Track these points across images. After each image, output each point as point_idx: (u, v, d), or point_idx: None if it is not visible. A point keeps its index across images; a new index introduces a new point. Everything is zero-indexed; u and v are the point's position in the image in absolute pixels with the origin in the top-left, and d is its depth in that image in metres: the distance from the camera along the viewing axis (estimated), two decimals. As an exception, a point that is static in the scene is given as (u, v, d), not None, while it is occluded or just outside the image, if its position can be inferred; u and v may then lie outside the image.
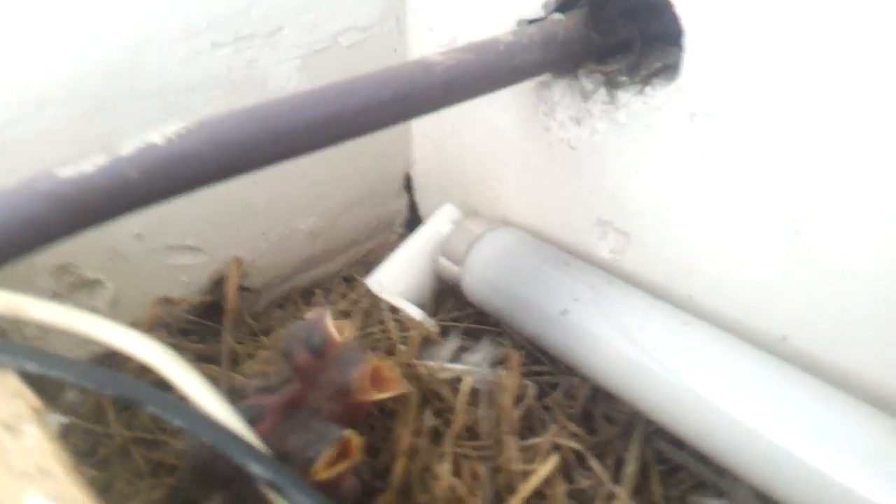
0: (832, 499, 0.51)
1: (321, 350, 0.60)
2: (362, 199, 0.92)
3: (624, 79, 0.68)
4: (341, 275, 0.94)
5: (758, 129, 0.56)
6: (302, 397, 0.60)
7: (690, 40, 0.58)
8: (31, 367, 0.39)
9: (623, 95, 0.67)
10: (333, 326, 0.60)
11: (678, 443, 0.64)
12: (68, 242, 0.69)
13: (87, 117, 0.65)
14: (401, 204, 0.98)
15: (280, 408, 0.60)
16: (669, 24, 0.60)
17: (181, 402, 0.40)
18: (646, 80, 0.66)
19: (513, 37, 0.61)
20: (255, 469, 0.38)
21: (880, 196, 0.51)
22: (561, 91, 0.72)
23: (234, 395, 0.71)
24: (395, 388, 0.59)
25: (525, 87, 0.74)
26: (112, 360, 0.66)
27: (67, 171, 0.43)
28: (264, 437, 0.58)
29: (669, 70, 0.63)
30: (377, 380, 0.59)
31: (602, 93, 0.69)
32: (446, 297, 0.86)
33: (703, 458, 0.62)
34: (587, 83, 0.70)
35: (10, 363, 0.39)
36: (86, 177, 0.43)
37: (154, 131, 0.46)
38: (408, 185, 0.97)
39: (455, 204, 0.89)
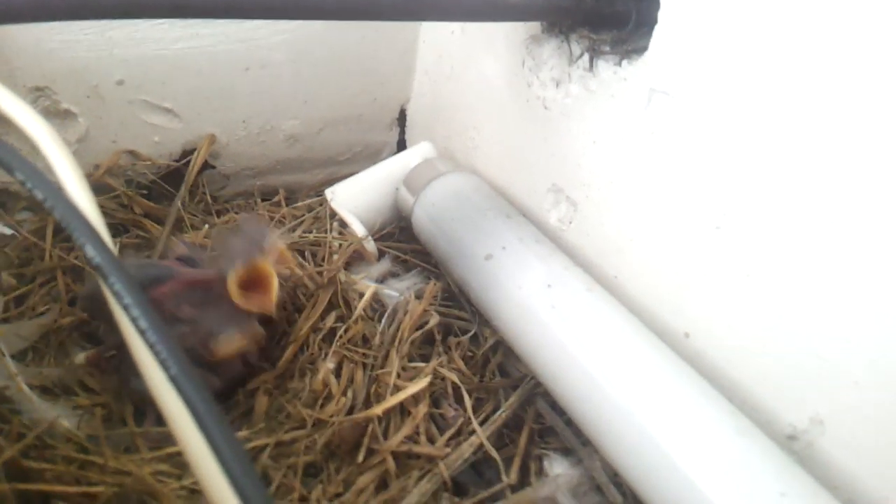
0: (674, 489, 0.51)
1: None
2: (350, 119, 0.93)
3: (607, 49, 0.68)
4: (314, 188, 0.96)
5: (706, 115, 0.56)
6: (213, 283, 0.63)
7: (664, 14, 0.59)
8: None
9: (603, 66, 0.67)
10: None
11: (558, 408, 0.64)
12: (50, 66, 0.73)
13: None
14: (391, 137, 1.00)
15: (190, 281, 0.63)
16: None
17: (46, 176, 0.42)
18: (625, 55, 0.66)
19: (501, -27, 0.62)
20: (88, 252, 0.40)
21: (808, 207, 0.50)
22: (550, 50, 0.73)
23: (164, 255, 0.75)
24: (287, 263, 0.61)
25: (517, 40, 0.75)
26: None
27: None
28: (163, 298, 0.62)
29: (643, 49, 0.64)
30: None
31: (585, 59, 0.69)
32: (397, 229, 0.88)
33: (574, 426, 0.62)
34: (576, 47, 0.70)
35: None
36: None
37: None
38: (401, 119, 0.98)
39: (437, 147, 0.90)
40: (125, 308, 0.39)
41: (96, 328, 0.67)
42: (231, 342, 0.60)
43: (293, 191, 0.95)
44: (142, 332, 0.38)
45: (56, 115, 0.76)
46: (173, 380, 0.37)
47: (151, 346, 0.38)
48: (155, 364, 0.38)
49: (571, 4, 0.67)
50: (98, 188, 0.80)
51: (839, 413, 0.51)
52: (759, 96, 0.52)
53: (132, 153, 0.82)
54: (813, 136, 0.48)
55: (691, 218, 0.59)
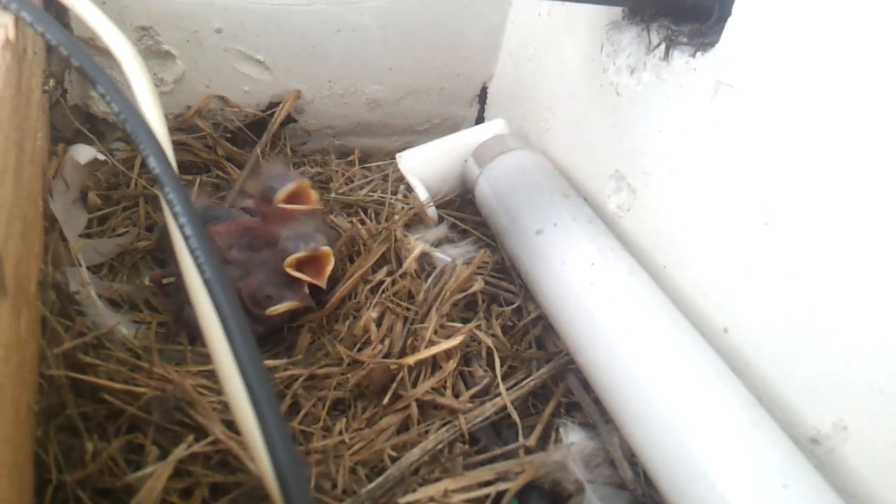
0: (683, 471, 0.52)
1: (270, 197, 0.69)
2: (432, 90, 0.96)
3: (684, 40, 0.68)
4: (389, 155, 0.99)
5: (764, 113, 0.56)
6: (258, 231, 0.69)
7: (738, 7, 0.59)
8: (26, 16, 0.47)
9: (677, 56, 0.67)
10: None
11: (589, 386, 0.65)
12: (155, 8, 0.79)
13: None
14: (470, 112, 1.02)
15: (247, 226, 0.68)
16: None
17: (125, 95, 0.46)
18: (700, 47, 0.66)
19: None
20: (151, 162, 0.44)
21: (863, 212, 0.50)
22: (630, 38, 0.73)
23: (239, 197, 0.80)
24: (311, 202, 0.65)
25: (598, 25, 0.76)
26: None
27: None
28: (218, 237, 0.67)
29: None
30: (301, 197, 0.67)
31: (661, 49, 0.69)
32: (462, 200, 0.90)
33: (600, 405, 0.63)
34: (655, 36, 0.71)
35: (13, 8, 0.46)
36: None
37: None
38: (482, 96, 1.00)
39: (512, 126, 0.92)
40: (175, 216, 0.43)
41: (164, 256, 0.72)
42: (281, 307, 0.64)
43: (369, 154, 0.99)
44: (186, 238, 0.42)
45: (157, 55, 0.82)
46: (206, 283, 0.41)
47: (192, 251, 0.42)
48: (194, 269, 0.41)
49: (654, -7, 0.68)
50: (188, 128, 0.86)
51: (863, 421, 0.50)
52: (820, 97, 0.51)
53: (222, 99, 0.87)
54: (866, 144, 0.48)
55: (742, 213, 0.59)
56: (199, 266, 0.41)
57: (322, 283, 0.66)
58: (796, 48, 0.53)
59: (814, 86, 0.52)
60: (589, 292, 0.63)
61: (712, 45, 0.63)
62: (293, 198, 0.68)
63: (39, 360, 0.52)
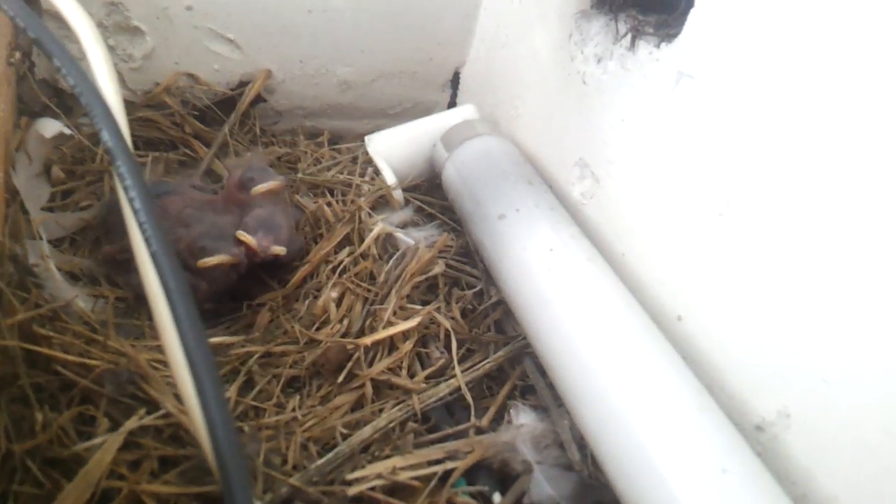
0: (627, 453, 0.53)
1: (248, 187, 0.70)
2: (404, 74, 0.96)
3: (650, 30, 0.69)
4: (360, 137, 0.99)
5: (719, 104, 0.57)
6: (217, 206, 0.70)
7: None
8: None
9: (643, 46, 0.68)
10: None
11: (543, 370, 0.66)
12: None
13: None
14: (442, 97, 1.02)
15: (192, 200, 0.68)
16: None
17: (83, 69, 0.46)
18: (665, 38, 0.67)
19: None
20: (104, 135, 0.44)
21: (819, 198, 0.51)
22: (598, 27, 0.74)
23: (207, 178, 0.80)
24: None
25: (568, 14, 0.76)
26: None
27: None
28: (169, 205, 0.68)
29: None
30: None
31: (628, 39, 0.70)
32: (430, 186, 0.90)
33: (553, 388, 0.64)
34: (622, 26, 0.71)
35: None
36: None
37: None
38: (455, 81, 1.00)
39: (483, 113, 0.92)
40: (125, 189, 0.43)
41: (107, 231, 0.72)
42: (213, 259, 0.64)
43: (340, 136, 0.99)
44: (135, 212, 0.42)
45: (126, 30, 0.81)
46: (153, 256, 0.41)
47: (140, 225, 0.42)
48: (142, 242, 0.42)
49: (620, -18, 0.68)
50: (156, 104, 0.86)
51: (806, 409, 0.52)
52: (776, 88, 0.52)
53: (192, 76, 0.86)
54: (820, 136, 0.49)
55: (697, 203, 0.60)
56: (146, 239, 0.41)
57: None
58: (755, 40, 0.54)
59: (770, 77, 0.53)
60: (546, 278, 0.63)
61: (675, 35, 0.63)
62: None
63: (-8, 332, 0.52)
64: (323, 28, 0.88)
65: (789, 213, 0.52)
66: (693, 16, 0.60)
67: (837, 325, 0.48)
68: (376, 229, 0.72)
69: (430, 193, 0.88)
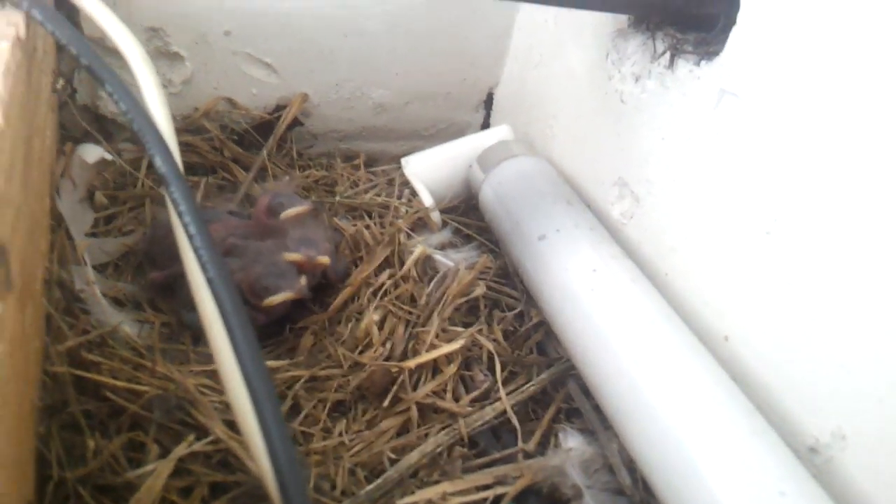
0: (681, 478, 0.52)
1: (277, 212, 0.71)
2: (438, 95, 0.97)
3: (689, 48, 0.68)
4: (394, 159, 1.00)
5: (765, 122, 0.56)
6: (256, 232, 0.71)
7: (743, 16, 0.59)
8: (37, 14, 0.47)
9: (682, 64, 0.67)
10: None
11: (588, 393, 0.65)
12: (165, 10, 0.79)
13: None
14: (476, 118, 1.02)
15: (234, 226, 0.70)
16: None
17: (133, 95, 0.47)
18: (704, 56, 0.66)
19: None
20: (157, 161, 0.44)
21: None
22: (635, 46, 0.73)
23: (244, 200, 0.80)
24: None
25: (604, 33, 0.76)
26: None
27: None
28: (213, 231, 0.69)
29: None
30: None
31: (666, 57, 0.70)
32: (467, 207, 0.90)
33: (600, 411, 0.63)
34: (660, 45, 0.71)
35: (23, 6, 0.47)
36: None
37: None
38: (488, 102, 1.01)
39: (517, 132, 0.92)
40: (180, 215, 0.43)
41: (156, 256, 0.72)
42: (278, 298, 0.65)
43: (375, 158, 0.99)
44: (190, 237, 0.42)
45: (166, 56, 0.82)
46: (210, 282, 0.41)
47: (196, 250, 0.42)
48: (197, 267, 0.42)
49: (659, 1, 0.68)
50: (195, 129, 0.87)
51: (862, 430, 0.51)
52: (822, 105, 0.51)
53: (230, 101, 0.87)
54: (867, 153, 0.48)
55: (743, 221, 0.59)
56: (202, 264, 0.41)
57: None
58: (799, 57, 0.53)
59: (816, 94, 0.52)
60: (590, 298, 0.63)
61: (717, 53, 0.63)
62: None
63: (43, 357, 0.52)
64: (359, 52, 0.88)
65: (840, 230, 0.51)
66: (735, 34, 0.60)
67: (893, 342, 0.48)
68: (416, 252, 0.71)
69: (466, 215, 0.88)
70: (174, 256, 0.69)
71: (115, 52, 0.51)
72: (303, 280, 0.65)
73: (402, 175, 0.87)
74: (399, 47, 0.90)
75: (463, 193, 0.90)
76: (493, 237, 0.83)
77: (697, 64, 0.66)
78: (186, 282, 0.69)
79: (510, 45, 0.96)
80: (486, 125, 1.03)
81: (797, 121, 0.54)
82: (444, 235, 0.80)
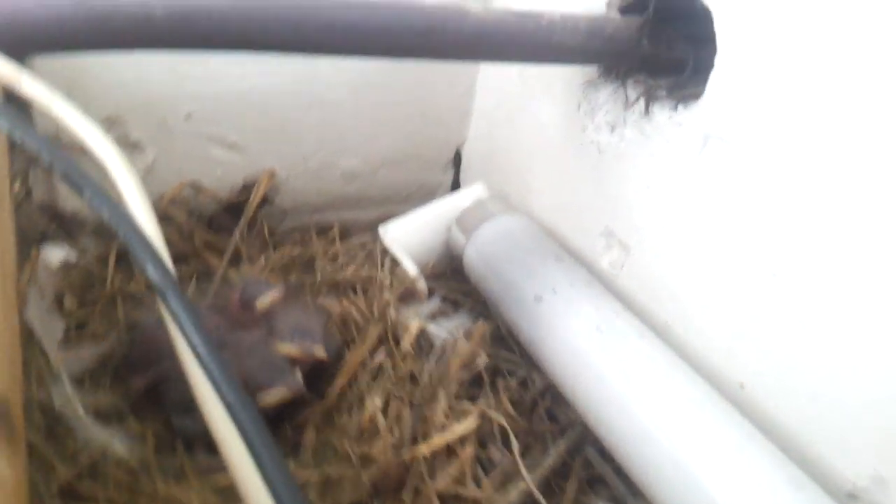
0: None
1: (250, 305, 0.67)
2: (408, 158, 0.95)
3: (663, 94, 0.68)
4: (368, 226, 0.97)
5: (762, 161, 0.56)
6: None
7: (721, 60, 0.59)
8: (3, 123, 0.44)
9: (658, 111, 0.67)
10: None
11: (608, 456, 0.63)
12: (122, 98, 0.76)
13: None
14: (445, 178, 1.01)
15: (223, 322, 0.67)
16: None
17: (111, 196, 0.43)
18: (681, 100, 0.66)
19: (559, 17, 0.63)
20: (150, 271, 0.41)
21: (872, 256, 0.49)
22: (606, 95, 0.73)
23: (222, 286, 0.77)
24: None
25: (574, 84, 0.76)
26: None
27: (101, -11, 0.48)
28: None
29: (699, 95, 0.64)
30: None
31: (641, 104, 0.69)
32: (449, 268, 0.88)
33: (623, 475, 0.61)
34: (632, 92, 0.71)
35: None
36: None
37: (188, -17, 0.50)
38: (456, 160, 0.99)
39: (492, 189, 0.91)
40: (182, 330, 0.40)
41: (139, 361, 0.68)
42: (275, 396, 0.61)
43: (348, 228, 0.96)
44: (198, 356, 0.39)
45: (126, 145, 0.79)
46: (228, 406, 0.38)
47: (207, 370, 0.39)
48: (209, 388, 0.39)
49: (628, 48, 0.68)
50: (161, 217, 0.82)
51: (902, 473, 0.49)
52: (817, 142, 0.51)
53: (195, 186, 0.84)
54: (872, 188, 0.48)
55: (747, 264, 0.58)
56: (216, 386, 0.38)
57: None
58: (786, 96, 0.53)
59: (806, 130, 0.52)
60: (600, 360, 0.61)
61: (695, 97, 0.63)
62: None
63: (32, 496, 0.48)
64: (324, 122, 0.87)
65: (851, 267, 0.50)
66: (714, 78, 0.60)
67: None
68: (413, 327, 0.69)
69: (451, 279, 0.86)
70: (154, 359, 0.66)
71: (74, 149, 0.48)
72: (298, 374, 0.61)
73: (381, 244, 0.85)
74: (364, 114, 0.88)
75: (444, 257, 0.87)
76: (481, 299, 0.81)
77: (675, 109, 0.65)
78: (173, 385, 0.65)
79: (474, 102, 0.95)
80: (455, 183, 1.01)
81: (794, 160, 0.53)
82: (433, 304, 0.78)
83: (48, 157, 0.44)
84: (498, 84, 0.90)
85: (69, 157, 0.44)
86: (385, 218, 0.97)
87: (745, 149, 0.57)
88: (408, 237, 0.84)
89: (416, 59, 0.60)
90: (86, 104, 0.73)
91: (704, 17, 0.60)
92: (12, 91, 0.47)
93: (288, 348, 0.62)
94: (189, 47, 0.53)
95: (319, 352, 0.63)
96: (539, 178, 0.85)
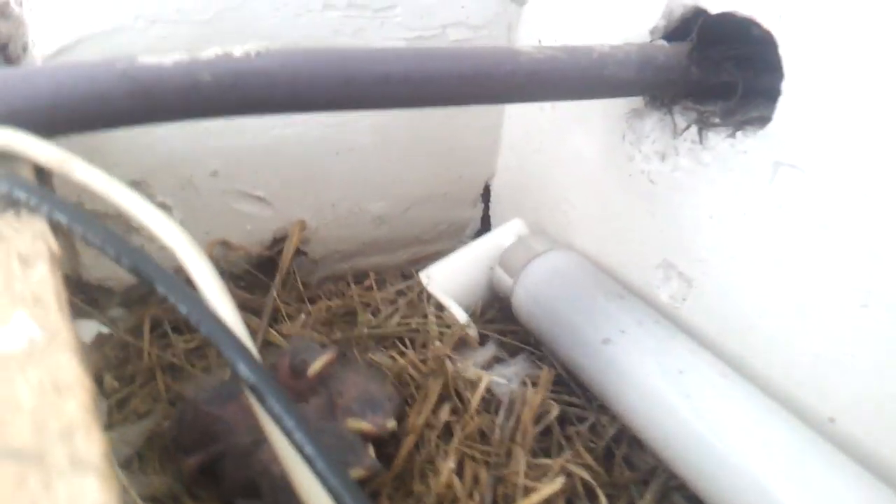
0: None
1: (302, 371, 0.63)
2: (436, 196, 0.92)
3: (717, 120, 0.66)
4: (400, 269, 0.94)
5: (844, 189, 0.53)
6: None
7: (789, 86, 0.56)
8: (61, 217, 0.40)
9: (713, 137, 0.65)
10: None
11: (697, 501, 0.60)
12: (146, 160, 0.73)
13: (189, 43, 0.67)
14: (475, 213, 0.98)
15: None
16: (776, 74, 0.59)
17: (189, 290, 0.40)
18: (739, 126, 0.64)
19: (609, 49, 0.61)
20: (241, 369, 0.38)
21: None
22: (652, 123, 0.71)
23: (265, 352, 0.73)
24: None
25: (616, 114, 0.73)
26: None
27: (147, 59, 0.45)
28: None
29: (765, 120, 0.61)
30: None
31: (692, 131, 0.67)
32: (495, 309, 0.85)
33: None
34: (680, 119, 0.68)
35: (44, 210, 0.40)
36: (162, 67, 0.45)
37: (238, 46, 0.47)
38: (486, 194, 0.96)
39: (527, 222, 0.88)
40: (287, 433, 0.36)
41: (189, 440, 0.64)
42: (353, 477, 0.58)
43: (378, 272, 0.93)
44: (309, 460, 0.36)
45: (151, 209, 0.75)
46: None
47: (320, 475, 0.35)
48: (323, 493, 0.35)
49: (679, 77, 0.65)
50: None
51: None
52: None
53: (225, 244, 0.81)
54: None
55: (833, 295, 0.56)
56: (333, 493, 0.34)
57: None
58: (867, 121, 0.51)
59: (890, 157, 0.50)
60: (687, 406, 0.58)
61: (760, 123, 0.60)
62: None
63: None
64: (352, 167, 0.83)
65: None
66: (784, 103, 0.57)
67: None
68: (481, 381, 0.65)
69: (498, 321, 0.83)
70: (208, 437, 0.62)
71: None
72: (372, 451, 0.58)
73: (422, 289, 0.81)
74: (391, 155, 0.85)
75: (488, 298, 0.84)
76: (532, 339, 0.78)
77: (733, 136, 0.63)
78: (232, 465, 0.62)
79: (502, 134, 0.92)
80: (485, 217, 0.98)
81: (877, 186, 0.51)
82: (488, 351, 0.74)
83: (114, 251, 0.40)
84: (526, 115, 0.88)
85: (135, 247, 0.41)
86: (416, 259, 0.94)
87: (823, 177, 0.55)
88: (449, 280, 0.81)
89: (470, 105, 0.57)
90: (109, 170, 0.71)
91: (764, 43, 0.58)
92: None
93: (360, 425, 0.58)
94: (238, 113, 0.49)
95: (392, 425, 0.60)
96: (580, 211, 0.82)
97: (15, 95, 0.43)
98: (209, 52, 0.47)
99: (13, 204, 0.41)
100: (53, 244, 0.39)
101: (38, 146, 0.42)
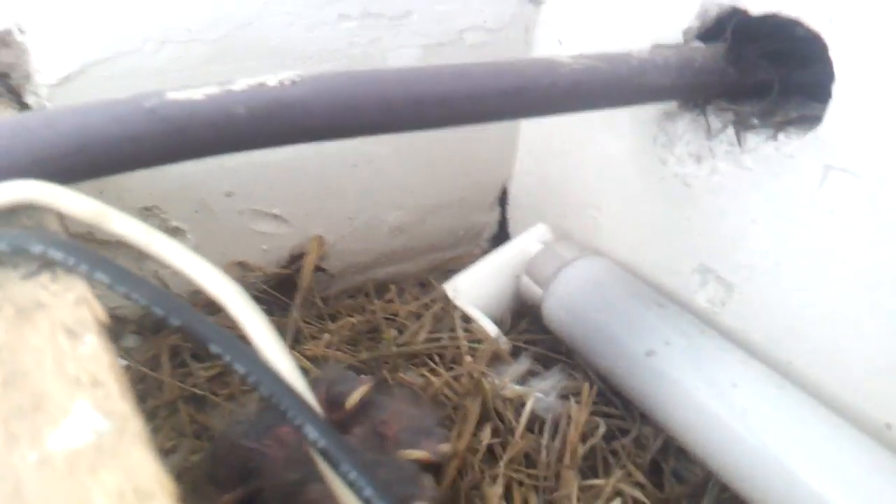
0: None
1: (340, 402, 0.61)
2: (452, 203, 0.89)
3: (756, 122, 0.64)
4: (418, 277, 0.92)
5: (901, 193, 0.51)
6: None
7: (840, 88, 0.54)
8: (103, 277, 0.37)
9: (752, 139, 0.62)
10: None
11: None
12: (158, 185, 0.70)
13: (202, 64, 0.64)
14: (491, 217, 0.95)
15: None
16: (818, 73, 0.57)
17: (246, 347, 0.38)
18: (779, 127, 0.61)
19: (648, 54, 0.58)
20: (310, 433, 0.35)
21: None
22: (685, 125, 0.68)
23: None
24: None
25: (646, 116, 0.71)
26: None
27: (177, 95, 0.42)
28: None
29: (807, 120, 0.59)
30: None
31: (729, 133, 0.65)
32: (522, 317, 0.82)
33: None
34: (715, 121, 0.66)
35: (83, 270, 0.37)
36: (193, 102, 0.42)
37: (271, 75, 0.44)
38: (503, 198, 0.94)
39: (548, 226, 0.86)
40: (365, 501, 0.34)
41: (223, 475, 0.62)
42: None
43: (396, 281, 0.90)
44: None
45: (165, 232, 0.72)
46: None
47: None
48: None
49: (716, 79, 0.63)
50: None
51: None
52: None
53: (242, 264, 0.78)
54: None
55: (888, 303, 0.54)
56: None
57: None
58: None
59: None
60: (744, 422, 0.56)
61: (808, 125, 0.58)
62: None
63: None
64: (369, 178, 0.81)
65: None
66: (835, 105, 0.55)
67: None
68: (528, 403, 0.63)
69: (527, 330, 0.80)
70: (243, 473, 0.60)
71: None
72: (428, 482, 0.55)
73: (448, 301, 0.79)
74: (408, 164, 0.83)
75: (515, 307, 0.82)
76: (564, 348, 0.76)
77: (775, 138, 0.61)
78: (271, 499, 0.59)
79: (519, 137, 0.89)
80: (502, 222, 0.96)
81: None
82: (522, 365, 0.72)
83: (162, 310, 0.38)
84: (544, 118, 0.85)
85: (185, 305, 0.38)
86: (434, 267, 0.92)
87: (879, 182, 0.53)
88: (475, 291, 0.79)
89: (508, 120, 0.54)
90: (119, 197, 0.68)
91: (807, 42, 0.56)
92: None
93: (416, 455, 0.56)
94: (273, 144, 0.46)
95: (448, 448, 0.57)
96: (608, 215, 0.79)
97: (38, 142, 0.40)
98: (241, 83, 0.44)
99: (48, 265, 0.38)
100: (99, 310, 0.37)
101: (70, 199, 0.39)
